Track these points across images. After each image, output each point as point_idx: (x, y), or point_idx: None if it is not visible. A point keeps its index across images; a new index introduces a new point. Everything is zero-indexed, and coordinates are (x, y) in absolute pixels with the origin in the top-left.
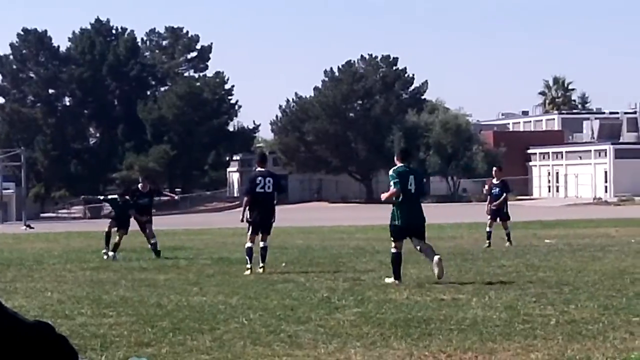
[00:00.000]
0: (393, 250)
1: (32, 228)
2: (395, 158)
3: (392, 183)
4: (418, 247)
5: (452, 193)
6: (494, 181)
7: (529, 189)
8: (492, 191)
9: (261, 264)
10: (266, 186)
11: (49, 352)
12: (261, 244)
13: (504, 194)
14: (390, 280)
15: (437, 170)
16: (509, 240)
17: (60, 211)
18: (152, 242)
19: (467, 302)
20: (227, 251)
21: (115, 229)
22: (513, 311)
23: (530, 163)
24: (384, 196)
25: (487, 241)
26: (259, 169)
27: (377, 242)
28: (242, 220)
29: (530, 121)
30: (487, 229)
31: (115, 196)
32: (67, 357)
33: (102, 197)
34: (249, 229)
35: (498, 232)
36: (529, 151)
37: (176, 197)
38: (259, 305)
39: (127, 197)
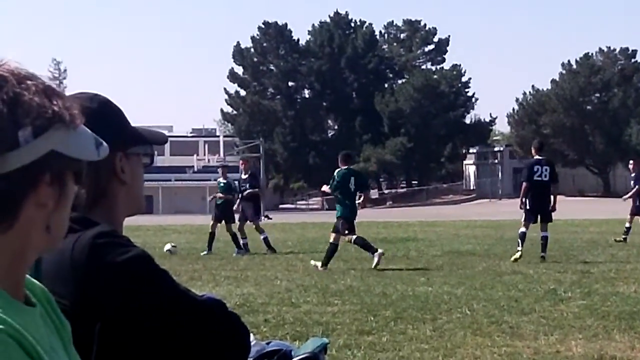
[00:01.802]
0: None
1: (270, 219)
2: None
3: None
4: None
5: None
6: (632, 174)
7: None
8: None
9: (542, 254)
10: (543, 174)
11: (221, 328)
12: (542, 234)
13: (636, 186)
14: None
15: None
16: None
17: (298, 202)
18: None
19: None
20: (459, 243)
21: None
22: None
23: None
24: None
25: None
26: (536, 157)
27: (610, 236)
28: (520, 208)
29: None
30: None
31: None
32: (238, 334)
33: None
34: (525, 217)
35: None
36: None
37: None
38: (484, 296)
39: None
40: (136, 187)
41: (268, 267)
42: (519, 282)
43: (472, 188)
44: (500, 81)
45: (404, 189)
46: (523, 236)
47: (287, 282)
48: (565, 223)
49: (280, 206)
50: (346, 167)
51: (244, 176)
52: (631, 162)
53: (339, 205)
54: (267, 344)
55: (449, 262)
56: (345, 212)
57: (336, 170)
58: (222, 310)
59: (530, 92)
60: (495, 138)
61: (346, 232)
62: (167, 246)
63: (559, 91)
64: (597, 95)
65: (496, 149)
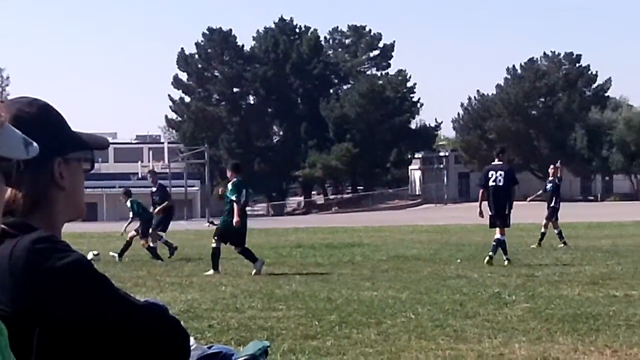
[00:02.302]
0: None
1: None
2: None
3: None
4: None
5: (636, 191)
6: (550, 179)
7: None
8: (547, 188)
9: (490, 253)
10: (498, 179)
11: (160, 332)
12: (496, 236)
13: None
14: (211, 272)
15: (620, 168)
16: (540, 240)
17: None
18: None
19: (639, 298)
20: (404, 247)
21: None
22: None
23: None
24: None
25: (562, 241)
26: (494, 162)
27: (555, 240)
28: (479, 215)
29: None
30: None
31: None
32: (178, 338)
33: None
34: (489, 222)
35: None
36: None
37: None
38: (428, 300)
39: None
40: (76, 192)
41: (213, 273)
42: (463, 286)
43: (417, 193)
44: (445, 86)
45: (350, 195)
46: (502, 244)
47: (232, 288)
48: (513, 227)
49: None
50: (236, 177)
51: (153, 189)
52: (552, 167)
53: (226, 217)
54: (209, 347)
55: (394, 267)
56: (231, 225)
57: (230, 182)
58: (161, 315)
59: (475, 97)
60: (440, 143)
61: (217, 238)
62: (90, 255)
63: (504, 96)
64: (542, 99)
65: (441, 154)
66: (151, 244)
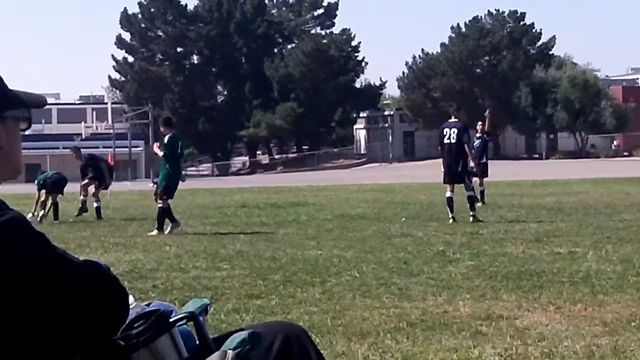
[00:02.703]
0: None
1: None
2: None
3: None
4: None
5: (580, 149)
6: (477, 134)
7: None
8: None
9: (471, 213)
10: (451, 137)
11: (98, 289)
12: (467, 194)
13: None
14: (155, 232)
15: (564, 126)
16: (482, 199)
17: (189, 169)
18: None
19: (583, 255)
20: (349, 207)
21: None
22: (628, 264)
23: None
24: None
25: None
26: (450, 120)
27: (499, 197)
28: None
29: None
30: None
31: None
32: (116, 295)
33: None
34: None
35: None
36: None
37: None
38: (373, 259)
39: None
40: (13, 151)
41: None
42: (408, 244)
43: (362, 152)
44: (390, 45)
45: (295, 154)
46: (449, 201)
47: (176, 248)
48: (456, 186)
49: None
50: (171, 132)
51: (81, 163)
52: (480, 123)
53: (165, 171)
54: (148, 305)
55: (339, 226)
56: (171, 180)
57: (166, 136)
58: (99, 272)
59: (420, 55)
60: (385, 102)
61: (164, 197)
62: (28, 215)
63: (448, 54)
64: (487, 58)
65: (386, 113)
66: (95, 204)
